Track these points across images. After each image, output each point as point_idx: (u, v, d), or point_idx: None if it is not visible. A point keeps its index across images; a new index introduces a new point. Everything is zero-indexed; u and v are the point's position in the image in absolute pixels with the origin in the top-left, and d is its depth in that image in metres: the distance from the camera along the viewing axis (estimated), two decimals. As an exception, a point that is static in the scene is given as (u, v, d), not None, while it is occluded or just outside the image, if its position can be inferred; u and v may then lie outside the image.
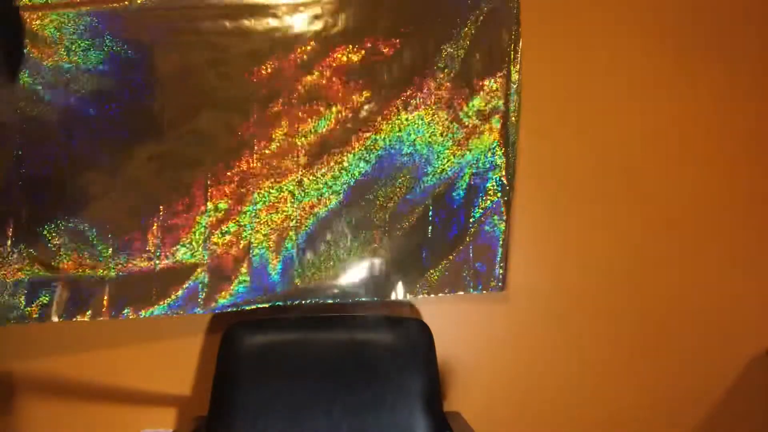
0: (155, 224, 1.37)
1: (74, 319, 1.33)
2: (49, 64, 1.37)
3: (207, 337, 1.43)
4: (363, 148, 1.40)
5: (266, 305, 1.36)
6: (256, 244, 1.38)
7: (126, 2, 1.38)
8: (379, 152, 1.41)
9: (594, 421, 1.47)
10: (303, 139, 1.40)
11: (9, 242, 1.34)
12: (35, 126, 1.36)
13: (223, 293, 1.36)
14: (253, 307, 1.35)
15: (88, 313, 1.33)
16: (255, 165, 1.39)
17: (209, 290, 1.36)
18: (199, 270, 1.36)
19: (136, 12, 1.38)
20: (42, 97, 1.37)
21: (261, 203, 1.39)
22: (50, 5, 1.38)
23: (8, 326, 1.37)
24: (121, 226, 1.36)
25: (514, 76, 1.43)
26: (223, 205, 1.38)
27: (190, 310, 1.35)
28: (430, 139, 1.42)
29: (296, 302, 1.37)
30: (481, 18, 1.42)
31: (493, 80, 1.42)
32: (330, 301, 1.38)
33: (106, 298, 1.34)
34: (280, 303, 1.37)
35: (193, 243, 1.37)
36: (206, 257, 1.37)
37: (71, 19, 1.38)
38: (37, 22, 1.37)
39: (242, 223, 1.38)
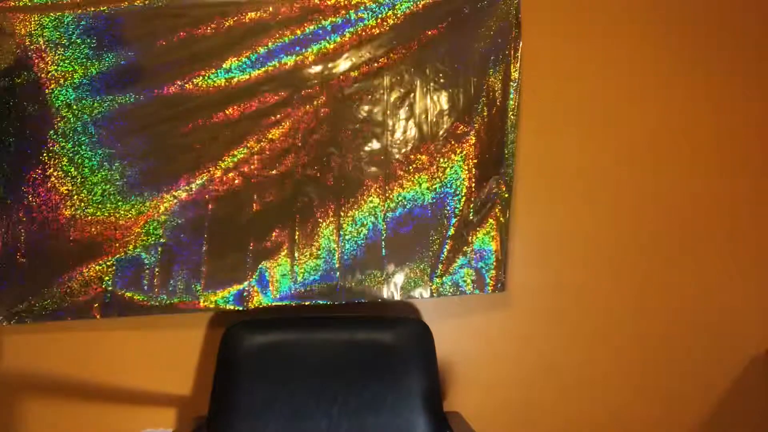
0: None
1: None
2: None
3: (207, 337, 1.43)
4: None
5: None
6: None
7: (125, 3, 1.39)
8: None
9: (594, 421, 1.47)
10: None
11: None
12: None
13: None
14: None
15: None
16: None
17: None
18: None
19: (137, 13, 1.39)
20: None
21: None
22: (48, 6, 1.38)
23: (8, 326, 1.38)
24: None
25: (514, 75, 1.43)
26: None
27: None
28: (429, 138, 1.42)
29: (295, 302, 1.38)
30: (481, 15, 1.42)
31: (493, 80, 1.43)
32: (329, 302, 1.38)
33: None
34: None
35: None
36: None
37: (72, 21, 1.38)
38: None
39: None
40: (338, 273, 1.39)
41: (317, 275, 1.38)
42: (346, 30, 1.41)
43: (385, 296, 1.40)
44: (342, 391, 1.24)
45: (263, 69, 1.40)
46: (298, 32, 1.40)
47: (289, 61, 1.40)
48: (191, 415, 1.41)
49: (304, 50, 1.41)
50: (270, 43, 1.40)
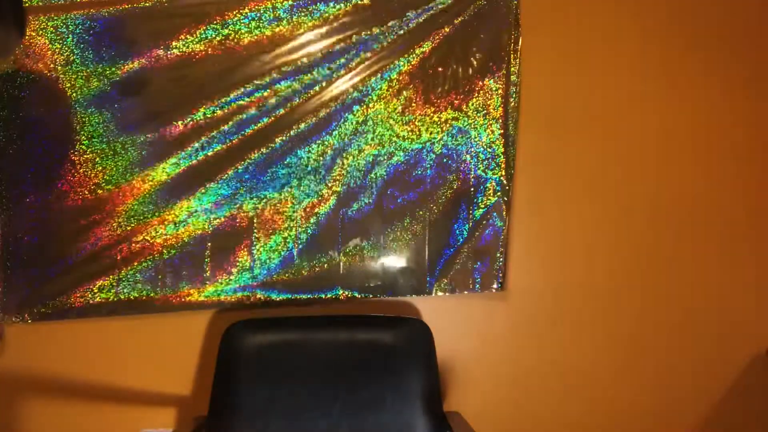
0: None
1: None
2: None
3: (207, 337, 1.43)
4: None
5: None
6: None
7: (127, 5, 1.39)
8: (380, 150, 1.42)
9: (593, 421, 1.48)
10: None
11: None
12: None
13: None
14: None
15: None
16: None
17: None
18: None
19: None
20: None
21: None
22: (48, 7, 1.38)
23: (9, 325, 1.38)
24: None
25: (514, 76, 1.43)
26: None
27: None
28: (429, 139, 1.42)
29: (297, 296, 1.40)
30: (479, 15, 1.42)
31: (493, 80, 1.43)
32: (328, 296, 1.40)
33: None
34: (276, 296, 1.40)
35: None
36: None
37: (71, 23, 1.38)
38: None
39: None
40: (340, 272, 1.40)
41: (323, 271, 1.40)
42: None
43: (385, 295, 1.40)
44: (342, 391, 1.24)
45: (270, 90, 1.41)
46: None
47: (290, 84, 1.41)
48: (191, 415, 1.41)
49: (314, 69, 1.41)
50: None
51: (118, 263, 1.37)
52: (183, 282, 1.38)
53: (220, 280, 1.39)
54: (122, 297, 1.37)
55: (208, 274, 1.39)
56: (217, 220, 1.39)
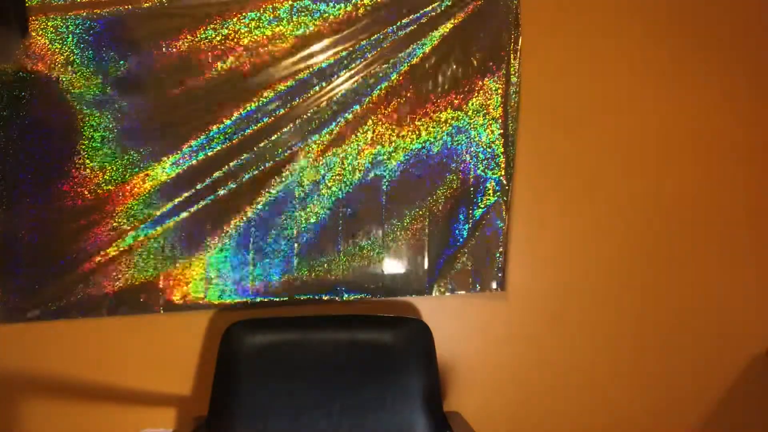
0: None
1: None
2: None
3: (207, 337, 1.43)
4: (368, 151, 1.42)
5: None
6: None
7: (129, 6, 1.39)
8: (383, 150, 1.42)
9: (593, 421, 1.48)
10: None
11: None
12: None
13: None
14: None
15: None
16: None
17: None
18: None
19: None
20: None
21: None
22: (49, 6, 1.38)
23: (8, 326, 1.38)
24: None
25: (514, 76, 1.43)
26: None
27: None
28: (429, 139, 1.42)
29: (297, 296, 1.39)
30: (478, 15, 1.42)
31: (492, 80, 1.43)
32: (327, 297, 1.40)
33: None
34: (277, 298, 1.40)
35: None
36: None
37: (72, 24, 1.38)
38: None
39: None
40: (340, 271, 1.40)
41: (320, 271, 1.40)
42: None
43: (385, 295, 1.40)
44: (342, 391, 1.24)
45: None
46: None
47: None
48: (191, 415, 1.41)
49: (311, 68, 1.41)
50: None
51: (116, 256, 1.37)
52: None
53: (219, 280, 1.39)
54: (123, 284, 1.37)
55: (208, 275, 1.39)
56: (217, 220, 1.39)
